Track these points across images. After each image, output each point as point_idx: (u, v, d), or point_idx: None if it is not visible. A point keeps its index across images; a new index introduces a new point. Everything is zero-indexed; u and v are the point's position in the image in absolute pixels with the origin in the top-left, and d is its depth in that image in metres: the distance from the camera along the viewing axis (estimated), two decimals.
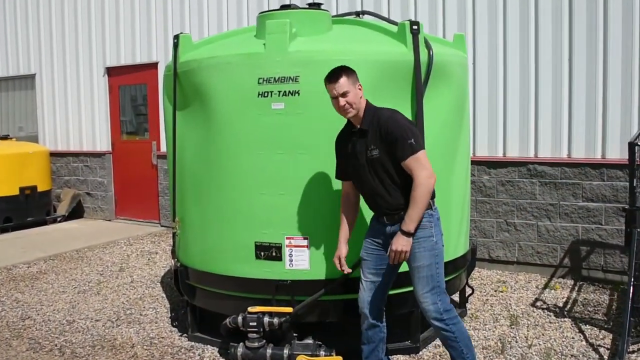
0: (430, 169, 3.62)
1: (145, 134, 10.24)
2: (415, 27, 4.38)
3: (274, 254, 4.39)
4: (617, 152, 6.45)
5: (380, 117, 3.73)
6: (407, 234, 3.64)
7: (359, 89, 3.79)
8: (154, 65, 9.77)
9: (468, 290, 5.55)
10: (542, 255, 6.85)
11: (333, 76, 3.74)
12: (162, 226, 9.91)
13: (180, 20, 9.43)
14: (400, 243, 3.64)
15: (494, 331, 5.15)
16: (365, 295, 3.97)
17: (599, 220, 6.52)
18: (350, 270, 4.05)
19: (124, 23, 10.08)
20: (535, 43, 6.75)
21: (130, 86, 10.30)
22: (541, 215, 6.80)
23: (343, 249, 4.03)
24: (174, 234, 5.14)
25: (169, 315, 5.69)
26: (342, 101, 3.72)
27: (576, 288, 6.34)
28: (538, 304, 5.84)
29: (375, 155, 3.72)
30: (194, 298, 4.93)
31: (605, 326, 5.19)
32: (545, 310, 5.60)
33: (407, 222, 3.62)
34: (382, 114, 3.75)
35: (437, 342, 4.81)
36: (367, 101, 3.84)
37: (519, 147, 6.86)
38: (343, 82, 3.71)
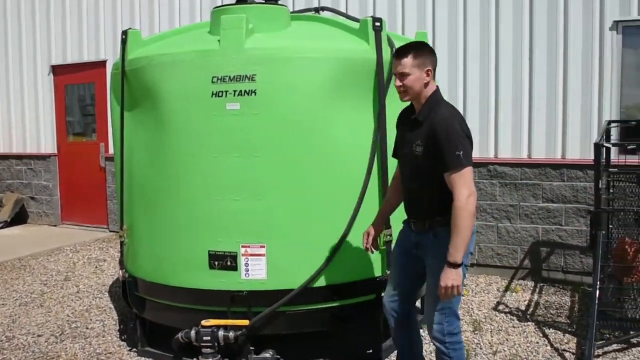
0: (472, 188, 3.23)
1: (92, 136, 9.83)
2: (377, 24, 4.19)
3: (229, 263, 4.14)
4: (577, 153, 6.40)
5: (437, 114, 3.34)
6: (455, 266, 3.20)
7: (427, 74, 3.38)
8: (102, 64, 9.38)
9: None
10: (502, 257, 6.75)
11: (400, 52, 3.39)
12: (110, 231, 9.52)
13: (129, 16, 9.06)
14: (450, 277, 3.20)
15: None
16: (386, 298, 3.77)
17: (559, 221, 6.45)
18: (373, 251, 3.89)
19: (70, 19, 9.64)
20: (495, 41, 6.66)
21: (77, 85, 9.88)
22: (501, 217, 6.71)
23: (376, 227, 3.84)
24: (121, 243, 4.84)
25: (118, 328, 5.36)
26: (397, 82, 3.40)
27: (537, 290, 6.26)
28: (500, 307, 5.73)
29: (418, 152, 3.38)
30: (144, 311, 4.65)
31: (569, 330, 5.10)
32: (508, 314, 5.48)
33: (452, 252, 3.19)
34: (440, 112, 3.36)
35: None
36: (436, 90, 3.44)
37: (478, 147, 6.74)
38: (406, 62, 3.35)
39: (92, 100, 9.76)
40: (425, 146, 3.34)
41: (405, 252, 3.67)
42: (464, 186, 3.20)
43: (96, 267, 7.56)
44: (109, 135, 9.20)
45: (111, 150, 9.23)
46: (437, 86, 3.47)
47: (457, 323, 3.49)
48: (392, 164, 4.24)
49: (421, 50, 3.40)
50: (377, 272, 4.30)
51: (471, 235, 3.26)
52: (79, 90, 9.96)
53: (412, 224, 3.58)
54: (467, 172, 3.23)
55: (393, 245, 4.23)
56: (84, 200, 9.91)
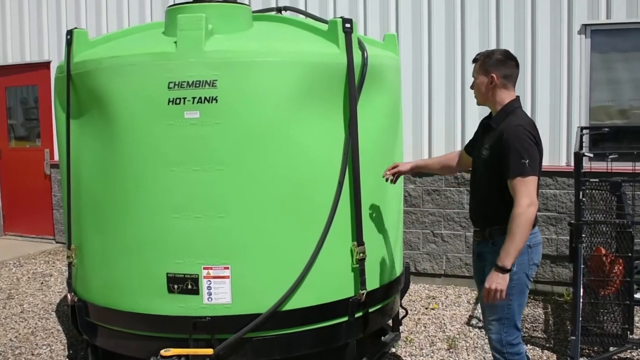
0: (533, 197, 3.24)
1: (37, 141, 9.29)
2: (348, 25, 3.89)
3: (189, 286, 3.78)
4: (545, 159, 6.18)
5: (509, 121, 3.39)
6: (502, 270, 3.22)
7: (491, 80, 3.46)
8: (46, 65, 8.85)
9: (401, 312, 5.12)
10: (471, 267, 6.54)
11: (475, 57, 3.60)
12: (57, 242, 9.00)
13: (75, 15, 8.55)
14: (495, 280, 3.23)
15: (432, 357, 4.75)
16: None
17: None
18: (393, 179, 4.01)
19: (10, 17, 9.06)
20: (461, 43, 6.46)
21: (19, 87, 9.32)
22: (469, 225, 6.50)
23: (407, 165, 4.02)
24: (69, 264, 4.41)
25: (67, 354, 4.94)
26: (472, 83, 3.60)
27: None
28: (473, 322, 5.50)
29: (485, 156, 3.45)
30: (96, 338, 4.24)
31: (547, 345, 4.91)
32: (482, 329, 5.26)
33: (502, 256, 3.22)
34: (512, 120, 3.40)
35: None
36: (515, 99, 3.50)
37: (445, 151, 6.52)
38: (475, 66, 3.55)
39: (36, 103, 9.23)
40: (492, 152, 3.40)
41: (477, 260, 3.69)
42: (526, 195, 3.22)
43: (42, 282, 7.08)
44: (54, 141, 8.69)
45: (57, 157, 8.68)
46: (517, 96, 3.53)
47: (517, 334, 3.48)
48: (365, 175, 3.98)
49: (487, 56, 3.50)
50: (350, 293, 3.99)
51: (524, 245, 3.25)
52: (21, 93, 9.41)
53: (475, 233, 3.65)
54: (531, 181, 3.25)
55: (366, 263, 3.98)
56: (28, 210, 9.35)
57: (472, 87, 3.61)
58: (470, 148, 3.80)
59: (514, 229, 3.19)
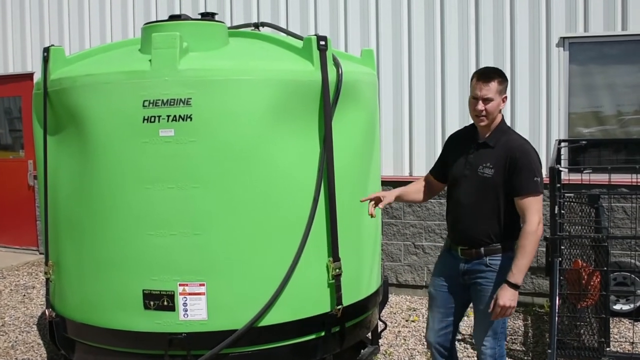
0: (541, 215, 3.32)
1: (20, 152, 9.26)
2: (322, 42, 3.92)
3: (165, 303, 3.80)
4: None
5: (513, 140, 3.42)
6: (515, 287, 3.28)
7: (503, 101, 3.45)
8: (30, 76, 8.82)
9: (381, 325, 5.14)
10: None
11: (487, 75, 3.40)
12: (40, 253, 8.93)
13: (58, 27, 8.52)
14: (508, 297, 3.27)
15: None
16: (433, 334, 3.70)
17: None
18: (373, 214, 3.64)
19: None
20: (441, 57, 6.50)
21: (2, 98, 9.29)
22: None
23: (387, 193, 3.72)
24: (47, 280, 4.41)
25: None
26: (481, 105, 3.38)
27: None
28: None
29: (488, 174, 3.40)
30: (74, 353, 4.25)
31: (525, 358, 4.94)
32: (462, 342, 5.28)
33: (515, 273, 3.28)
34: (515, 138, 3.46)
35: None
36: (502, 116, 3.51)
37: (425, 165, 6.56)
38: (493, 86, 3.36)
39: (20, 114, 9.21)
40: (500, 170, 3.36)
41: (450, 281, 3.63)
42: (537, 212, 3.27)
43: (24, 295, 7.05)
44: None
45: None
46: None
47: (504, 343, 3.59)
48: (341, 190, 4.01)
49: (503, 76, 3.44)
50: (326, 308, 4.02)
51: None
52: (4, 104, 9.39)
53: (460, 251, 3.54)
54: (541, 199, 3.32)
55: (342, 279, 3.99)
56: (11, 221, 9.31)
57: (482, 110, 3.37)
58: (442, 171, 3.72)
59: (527, 246, 3.24)
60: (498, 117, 3.47)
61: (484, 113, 3.38)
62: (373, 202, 3.66)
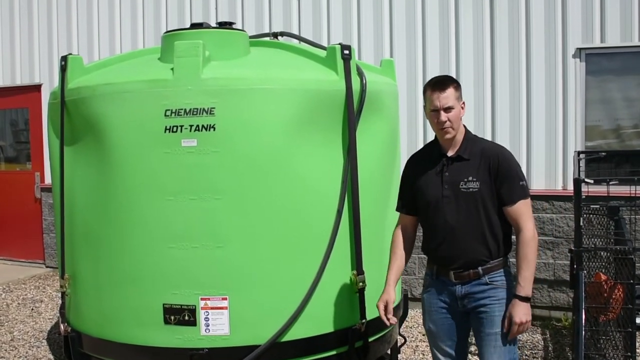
0: (534, 221, 3.22)
1: (27, 164, 9.19)
2: (346, 51, 3.86)
3: (186, 317, 3.70)
4: (542, 183, 6.22)
5: (488, 148, 3.26)
6: (527, 300, 3.14)
7: (462, 107, 3.26)
8: (37, 88, 8.78)
9: (400, 340, 5.06)
10: None
11: (442, 83, 3.21)
12: (47, 267, 8.87)
13: (66, 38, 8.49)
14: (523, 312, 3.12)
15: None
16: None
17: None
18: (395, 321, 3.39)
19: (1, 40, 9.00)
20: (456, 69, 6.46)
21: (9, 110, 9.23)
22: None
23: (392, 293, 3.34)
24: (63, 294, 4.32)
25: None
26: (443, 116, 3.17)
27: None
28: (472, 349, 5.42)
29: (473, 188, 3.18)
30: None
31: None
32: (477, 356, 5.18)
33: (523, 286, 3.12)
34: (489, 145, 3.33)
35: None
36: (465, 126, 3.31)
37: None
38: (450, 93, 3.17)
39: (26, 125, 9.15)
40: (485, 180, 3.18)
41: (448, 311, 3.36)
42: (530, 218, 3.18)
43: (32, 309, 6.96)
44: (45, 164, 8.60)
45: (47, 180, 8.61)
46: None
47: None
48: (364, 202, 3.93)
49: (456, 82, 3.26)
50: (350, 322, 3.93)
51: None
52: (11, 115, 9.33)
53: (454, 275, 3.26)
54: (530, 203, 3.22)
55: (366, 292, 3.91)
56: (18, 234, 9.23)
57: (445, 121, 3.16)
58: (422, 200, 3.37)
59: (529, 254, 3.12)
60: (461, 127, 3.28)
61: (448, 124, 3.17)
62: (390, 310, 3.37)
